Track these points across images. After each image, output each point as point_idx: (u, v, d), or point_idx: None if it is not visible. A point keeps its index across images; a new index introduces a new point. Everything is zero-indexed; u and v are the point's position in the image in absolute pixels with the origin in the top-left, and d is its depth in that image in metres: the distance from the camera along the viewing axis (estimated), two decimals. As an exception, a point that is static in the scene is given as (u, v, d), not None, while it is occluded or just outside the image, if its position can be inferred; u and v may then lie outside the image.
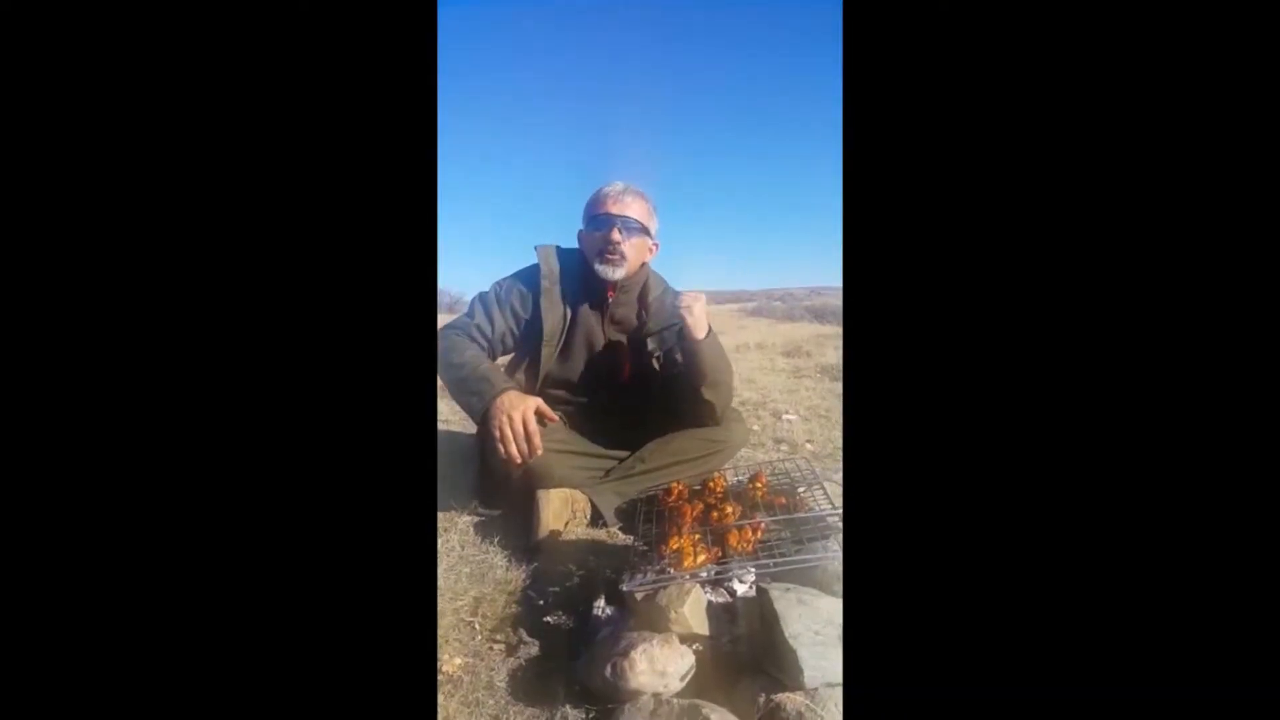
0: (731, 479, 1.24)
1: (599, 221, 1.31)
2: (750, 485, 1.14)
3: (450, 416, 2.10)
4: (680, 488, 1.15)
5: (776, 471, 1.28)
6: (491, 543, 1.17)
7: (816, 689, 0.69)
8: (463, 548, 1.15)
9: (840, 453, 1.71)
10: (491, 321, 1.34)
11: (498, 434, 1.14)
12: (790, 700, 0.68)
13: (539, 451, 1.15)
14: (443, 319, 1.57)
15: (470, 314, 1.36)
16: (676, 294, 1.35)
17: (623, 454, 1.35)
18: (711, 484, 1.15)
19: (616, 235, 1.30)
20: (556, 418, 1.21)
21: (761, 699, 0.70)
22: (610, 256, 1.31)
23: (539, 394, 1.29)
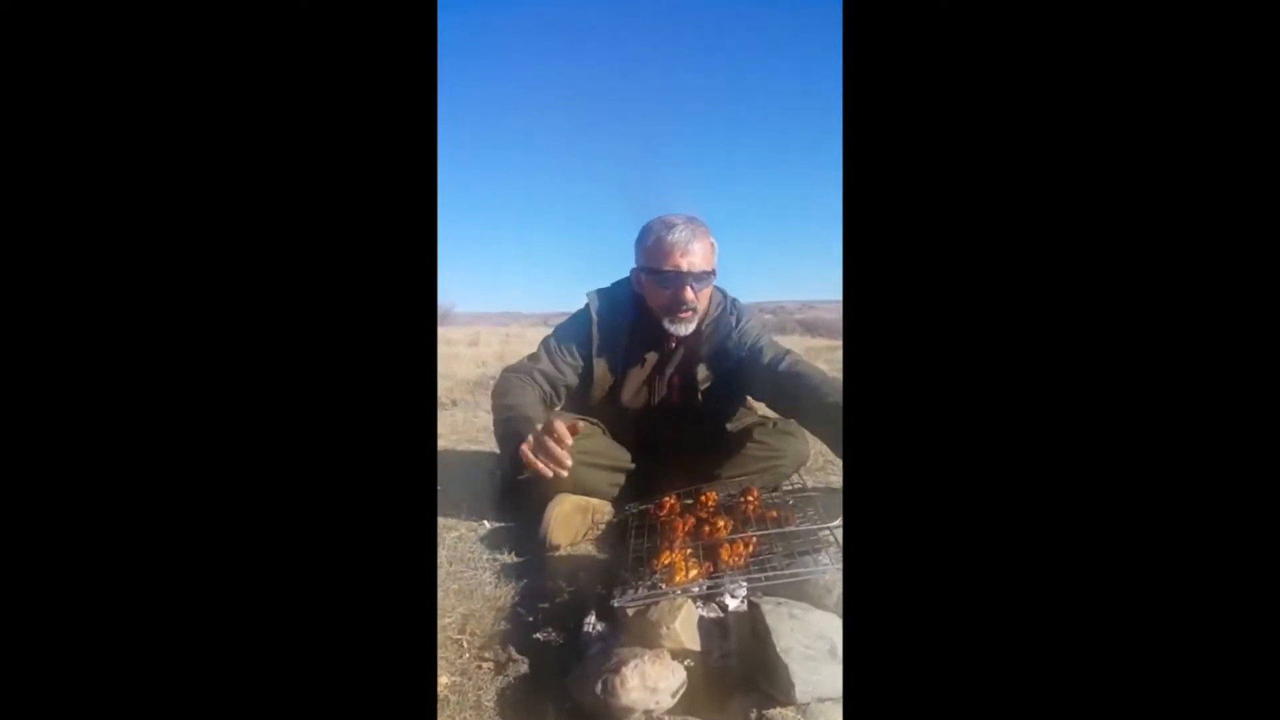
0: (723, 494, 1.24)
1: (668, 279, 1.22)
2: (742, 499, 1.14)
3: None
4: (672, 502, 1.15)
5: (767, 486, 1.28)
6: (481, 558, 1.16)
7: (808, 704, 0.68)
8: (450, 564, 1.14)
9: (830, 465, 1.72)
10: (556, 366, 1.31)
11: (530, 455, 1.05)
12: (781, 715, 0.67)
13: (566, 463, 1.04)
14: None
15: (535, 358, 1.33)
16: (740, 310, 1.33)
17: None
18: (704, 498, 1.14)
19: (689, 294, 1.22)
20: (581, 427, 1.11)
21: (753, 714, 0.69)
22: (683, 315, 1.24)
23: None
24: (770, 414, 1.44)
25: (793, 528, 1.01)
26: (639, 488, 1.29)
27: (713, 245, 1.27)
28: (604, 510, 1.22)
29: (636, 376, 1.33)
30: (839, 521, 0.95)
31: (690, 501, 1.16)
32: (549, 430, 1.04)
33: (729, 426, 1.41)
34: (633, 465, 1.33)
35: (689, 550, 0.95)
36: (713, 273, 1.27)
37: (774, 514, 1.08)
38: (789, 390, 1.24)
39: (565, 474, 1.04)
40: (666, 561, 0.91)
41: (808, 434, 1.39)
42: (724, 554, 0.94)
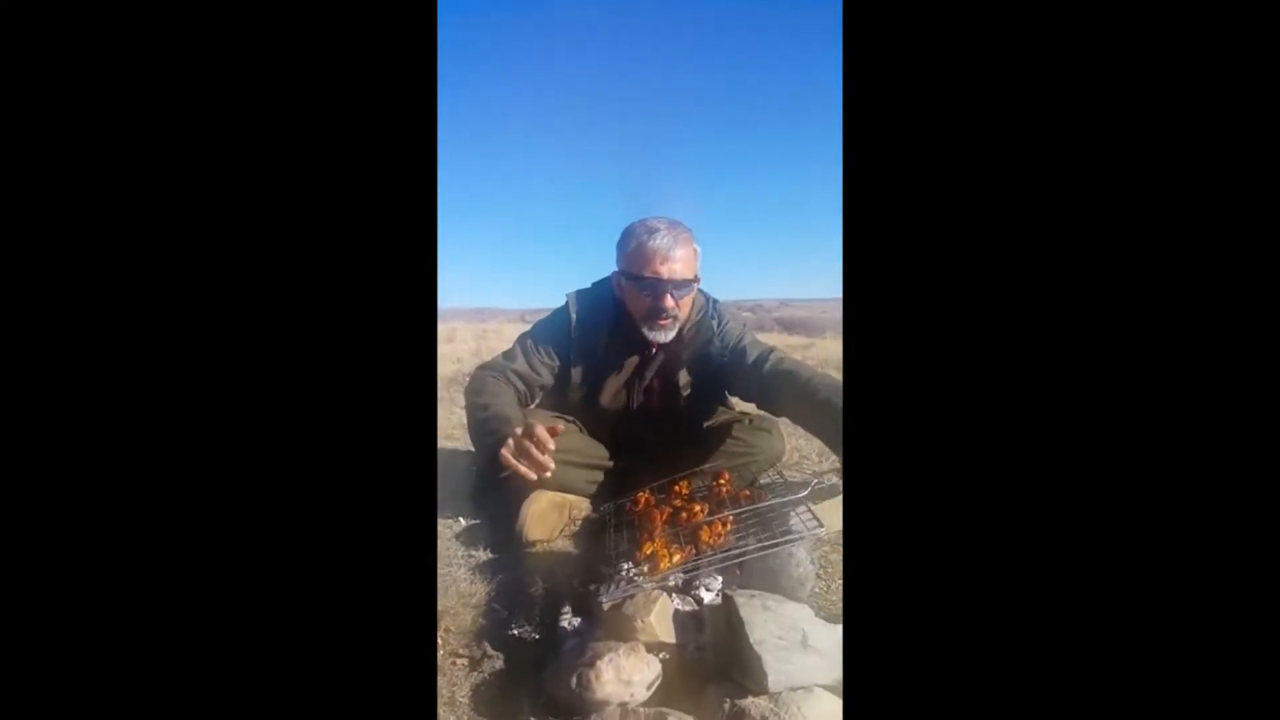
0: (695, 484, 1.25)
1: (648, 286, 1.18)
2: (715, 484, 1.15)
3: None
4: (647, 495, 1.15)
5: (742, 480, 1.29)
6: (456, 555, 1.15)
7: (780, 693, 0.69)
8: (426, 561, 1.13)
9: (805, 460, 1.74)
10: (531, 366, 1.28)
11: (511, 459, 1.02)
12: (754, 705, 0.68)
13: (549, 466, 1.02)
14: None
15: (510, 356, 1.30)
16: (719, 312, 1.30)
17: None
18: (677, 488, 1.15)
19: (669, 302, 1.18)
20: (560, 429, 1.08)
21: (726, 704, 0.70)
22: (662, 323, 1.21)
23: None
24: (747, 409, 1.45)
25: (764, 504, 1.03)
26: (617, 484, 1.29)
27: (696, 251, 1.24)
28: (581, 507, 1.21)
29: (615, 380, 1.31)
30: (807, 493, 0.97)
31: (664, 495, 1.16)
32: (529, 434, 1.02)
33: (705, 423, 1.41)
34: (610, 462, 1.32)
35: (669, 537, 0.96)
36: (695, 279, 1.23)
37: (747, 493, 1.10)
38: (776, 390, 1.23)
39: (549, 476, 1.03)
40: (649, 551, 0.91)
41: (783, 430, 1.39)
42: (704, 535, 0.95)
